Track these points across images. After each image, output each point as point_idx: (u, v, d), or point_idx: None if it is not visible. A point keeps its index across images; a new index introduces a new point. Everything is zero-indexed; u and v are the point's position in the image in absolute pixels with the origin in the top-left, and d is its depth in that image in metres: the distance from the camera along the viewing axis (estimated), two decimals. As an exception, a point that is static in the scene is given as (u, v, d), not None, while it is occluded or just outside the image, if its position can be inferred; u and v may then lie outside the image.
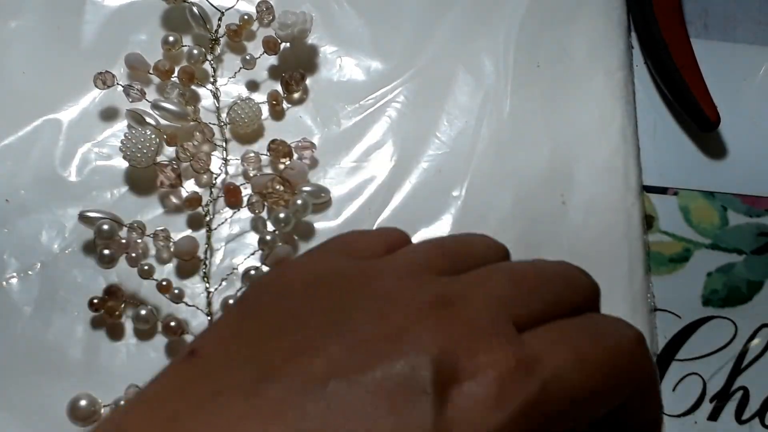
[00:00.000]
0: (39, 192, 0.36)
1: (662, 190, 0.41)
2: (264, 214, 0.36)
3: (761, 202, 0.42)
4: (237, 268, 0.36)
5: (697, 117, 0.41)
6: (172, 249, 0.35)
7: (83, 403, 0.32)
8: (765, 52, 0.45)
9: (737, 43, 0.45)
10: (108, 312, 0.34)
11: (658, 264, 0.40)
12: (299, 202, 0.36)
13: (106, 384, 0.34)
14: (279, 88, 0.39)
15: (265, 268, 0.35)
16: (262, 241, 0.35)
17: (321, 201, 0.37)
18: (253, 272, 0.35)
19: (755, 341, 0.39)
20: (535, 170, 0.40)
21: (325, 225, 0.38)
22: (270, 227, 0.36)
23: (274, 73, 0.40)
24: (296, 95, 0.39)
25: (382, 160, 0.39)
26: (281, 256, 0.35)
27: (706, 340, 0.39)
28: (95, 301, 0.34)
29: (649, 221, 0.40)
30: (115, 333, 0.35)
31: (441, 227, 0.38)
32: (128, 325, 0.35)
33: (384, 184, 0.39)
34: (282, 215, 0.35)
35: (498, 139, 0.40)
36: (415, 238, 0.38)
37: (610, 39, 0.42)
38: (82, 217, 0.35)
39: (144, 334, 0.35)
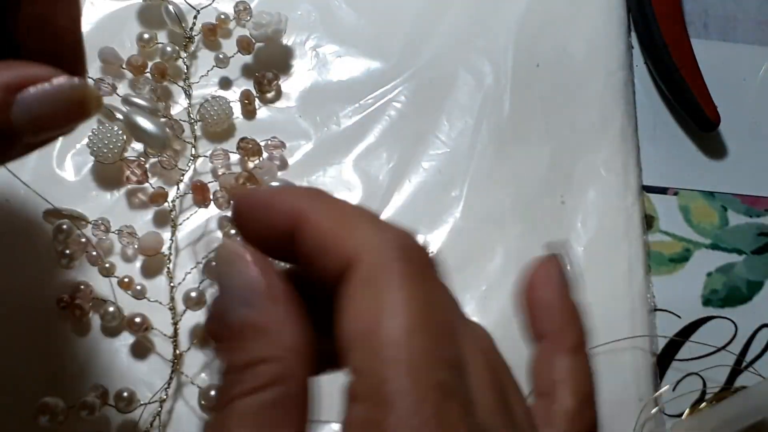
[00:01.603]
0: (39, 192, 0.36)
1: (662, 190, 0.41)
2: (229, 212, 0.36)
3: (761, 202, 0.42)
4: (201, 262, 0.36)
5: (696, 117, 0.41)
6: (136, 246, 0.35)
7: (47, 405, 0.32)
8: (764, 52, 0.45)
9: (737, 43, 0.45)
10: (73, 310, 0.34)
11: (658, 264, 0.40)
12: None
13: (71, 384, 0.33)
14: (252, 87, 0.39)
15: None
16: (227, 237, 0.36)
17: None
18: (214, 263, 0.35)
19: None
20: (536, 170, 0.40)
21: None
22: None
23: (247, 72, 0.40)
24: (269, 95, 0.39)
25: (382, 160, 0.39)
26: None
27: (706, 340, 0.39)
28: (62, 298, 0.34)
29: (649, 221, 0.40)
30: (81, 331, 0.35)
31: (441, 227, 0.38)
32: (94, 324, 0.35)
33: (384, 183, 0.39)
34: None
35: (498, 139, 0.40)
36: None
37: (610, 39, 0.43)
38: (48, 214, 0.34)
39: (109, 331, 0.35)
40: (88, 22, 0.39)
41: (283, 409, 0.17)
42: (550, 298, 0.22)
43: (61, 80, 0.22)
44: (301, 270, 0.19)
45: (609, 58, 0.42)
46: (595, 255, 0.38)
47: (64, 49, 0.24)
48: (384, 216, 0.38)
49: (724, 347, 0.39)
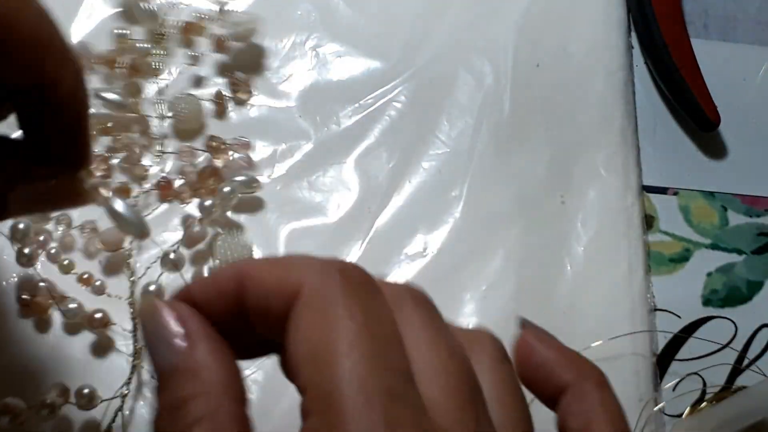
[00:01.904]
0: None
1: (662, 190, 0.41)
2: (193, 207, 0.37)
3: (761, 202, 0.42)
4: (161, 257, 0.35)
5: (696, 117, 0.41)
6: (98, 241, 0.35)
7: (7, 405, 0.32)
8: (765, 52, 0.45)
9: (737, 43, 0.45)
10: (34, 308, 0.34)
11: (658, 264, 0.40)
12: (226, 189, 0.36)
13: (31, 384, 0.33)
14: (225, 86, 0.39)
15: (183, 251, 0.35)
16: (188, 230, 0.36)
17: (250, 191, 0.37)
18: (172, 255, 0.35)
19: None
20: (535, 170, 0.40)
21: (324, 224, 0.38)
22: (198, 215, 0.36)
23: (221, 72, 0.40)
24: (241, 95, 0.39)
25: (382, 160, 0.39)
26: (197, 236, 0.35)
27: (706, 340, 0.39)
28: (23, 297, 0.34)
29: (649, 221, 0.40)
30: (42, 330, 0.34)
31: (441, 227, 0.38)
32: (56, 322, 0.35)
33: (384, 183, 0.39)
34: (208, 203, 0.35)
35: (498, 139, 0.40)
36: (415, 238, 0.38)
37: (610, 39, 0.43)
38: None
39: (70, 328, 0.35)
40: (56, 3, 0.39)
41: None
42: (554, 354, 0.23)
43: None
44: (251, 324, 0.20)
45: (609, 58, 0.42)
46: (595, 255, 0.38)
47: (77, 149, 0.26)
48: (383, 215, 0.38)
49: (724, 347, 0.39)
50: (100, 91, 0.36)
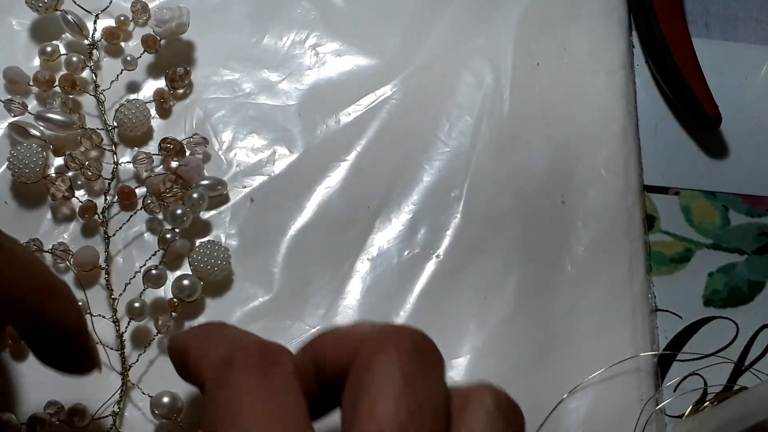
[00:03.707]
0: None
1: (663, 190, 0.41)
2: (160, 215, 0.36)
3: (762, 202, 0.41)
4: (139, 271, 0.35)
5: (698, 116, 0.41)
6: (71, 262, 0.35)
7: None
8: (766, 51, 0.45)
9: (738, 42, 0.45)
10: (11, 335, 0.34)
11: (659, 264, 0.39)
12: (195, 195, 0.36)
13: (21, 402, 0.33)
14: (163, 85, 0.39)
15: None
16: (162, 240, 0.35)
17: (217, 194, 0.37)
18: (154, 271, 0.35)
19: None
20: (535, 170, 0.40)
21: (324, 223, 0.38)
22: (168, 225, 0.36)
23: (155, 71, 0.39)
24: (181, 91, 0.39)
25: (381, 159, 0.39)
26: (179, 251, 0.35)
27: (708, 340, 0.38)
28: None
29: (650, 221, 0.40)
30: (20, 355, 0.34)
31: (441, 227, 0.38)
32: None
33: (383, 182, 0.38)
34: (179, 211, 0.35)
35: (498, 138, 0.40)
36: (414, 238, 0.38)
37: (611, 38, 0.42)
38: None
39: None
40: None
41: None
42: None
43: None
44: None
45: (610, 58, 0.42)
46: (595, 255, 0.38)
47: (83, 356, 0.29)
48: (383, 215, 0.38)
49: (725, 347, 0.39)
50: (43, 113, 0.36)
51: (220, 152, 0.38)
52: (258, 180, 0.38)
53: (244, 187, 0.38)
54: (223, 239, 0.37)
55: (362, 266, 0.37)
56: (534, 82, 0.41)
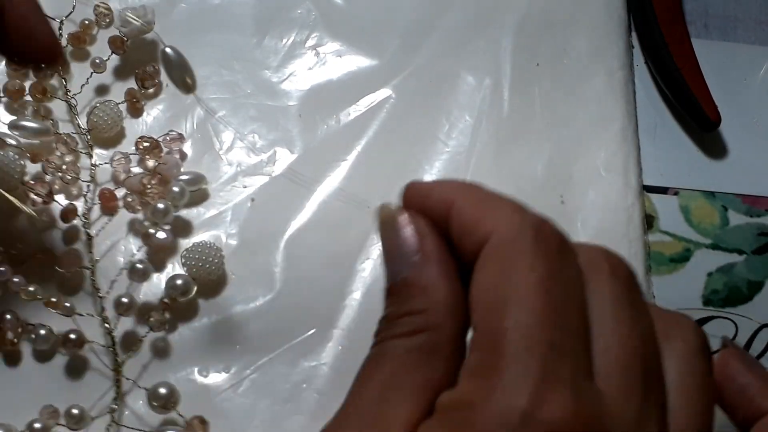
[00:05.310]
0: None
1: (663, 190, 0.41)
2: (140, 215, 0.36)
3: (762, 201, 0.42)
4: (125, 268, 0.35)
5: (697, 117, 0.41)
6: (57, 266, 0.35)
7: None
8: (765, 52, 0.45)
9: (738, 42, 0.45)
10: (3, 341, 0.34)
11: (658, 264, 0.40)
12: (176, 189, 0.36)
13: (17, 408, 0.33)
14: (133, 85, 0.39)
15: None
16: (145, 236, 0.36)
17: (198, 188, 0.37)
18: (139, 266, 0.35)
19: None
20: (535, 170, 0.40)
21: (324, 222, 0.38)
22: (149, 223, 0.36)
23: (124, 72, 0.39)
24: (151, 90, 0.39)
25: (382, 159, 0.39)
26: (163, 245, 0.35)
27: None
28: None
29: (649, 221, 0.40)
30: (13, 360, 0.34)
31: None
32: (25, 351, 0.35)
33: (383, 182, 0.38)
34: (161, 206, 0.35)
35: (498, 138, 0.40)
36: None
37: (611, 39, 0.42)
38: None
39: (43, 355, 0.34)
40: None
41: (427, 354, 0.19)
42: (757, 381, 0.24)
43: None
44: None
45: (609, 58, 0.42)
46: (595, 255, 0.38)
47: (43, 42, 0.28)
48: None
49: (725, 346, 0.39)
50: (17, 121, 0.36)
51: (220, 152, 0.39)
52: (258, 180, 0.38)
53: (245, 187, 0.38)
54: (223, 239, 0.37)
55: (362, 266, 0.37)
56: (534, 82, 0.41)
